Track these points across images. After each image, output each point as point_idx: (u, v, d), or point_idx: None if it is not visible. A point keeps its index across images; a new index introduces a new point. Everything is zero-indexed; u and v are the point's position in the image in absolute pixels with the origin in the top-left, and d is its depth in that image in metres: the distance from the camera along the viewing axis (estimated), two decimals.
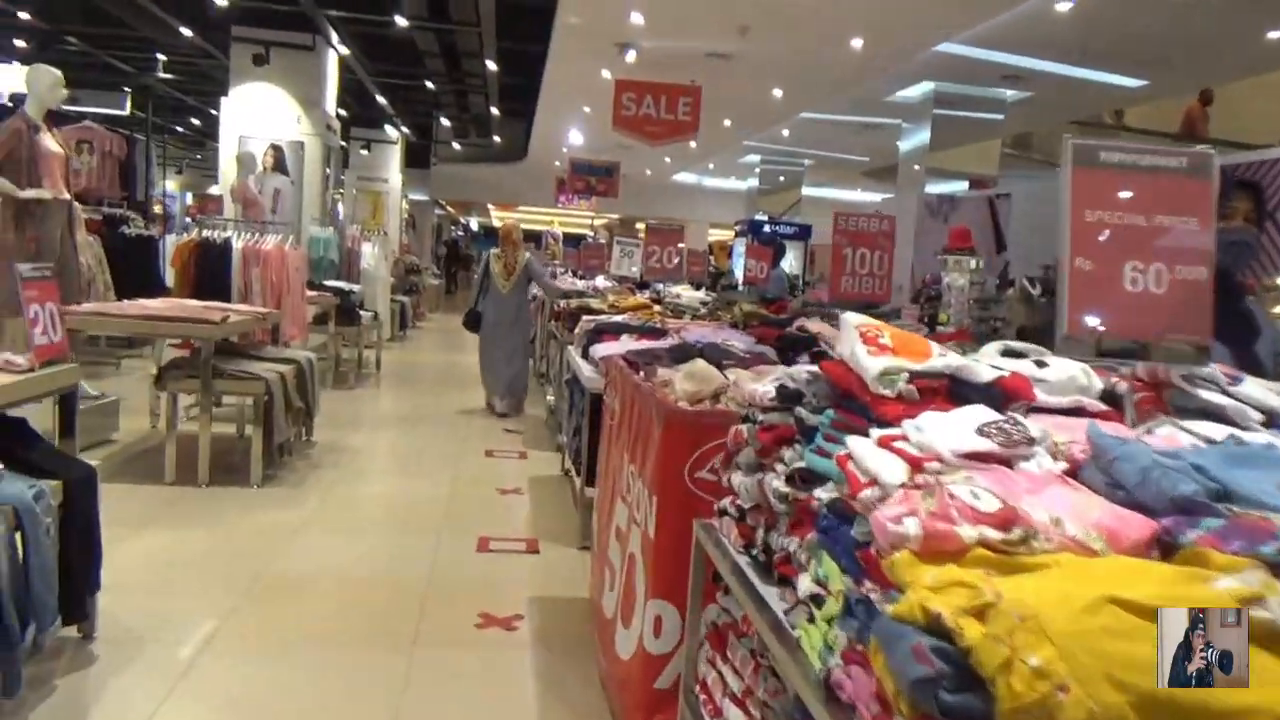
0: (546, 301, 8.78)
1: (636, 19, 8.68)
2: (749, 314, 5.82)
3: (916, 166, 13.49)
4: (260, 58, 10.44)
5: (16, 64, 11.05)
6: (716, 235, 32.54)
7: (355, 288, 9.54)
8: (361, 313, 9.17)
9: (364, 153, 18.89)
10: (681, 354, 3.30)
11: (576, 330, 5.44)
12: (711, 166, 22.23)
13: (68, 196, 5.48)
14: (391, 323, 12.92)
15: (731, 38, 9.20)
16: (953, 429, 1.34)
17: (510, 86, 15.95)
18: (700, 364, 2.60)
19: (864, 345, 1.52)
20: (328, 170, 11.46)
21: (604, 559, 3.10)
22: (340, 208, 12.69)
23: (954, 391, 1.49)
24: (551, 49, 10.31)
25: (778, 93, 11.74)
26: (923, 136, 12.70)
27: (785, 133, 16.26)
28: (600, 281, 11.36)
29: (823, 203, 24.61)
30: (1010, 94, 11.77)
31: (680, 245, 5.13)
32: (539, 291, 8.96)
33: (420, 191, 25.10)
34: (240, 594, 3.54)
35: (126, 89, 11.31)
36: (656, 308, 6.52)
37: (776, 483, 1.64)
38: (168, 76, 13.83)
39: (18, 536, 2.41)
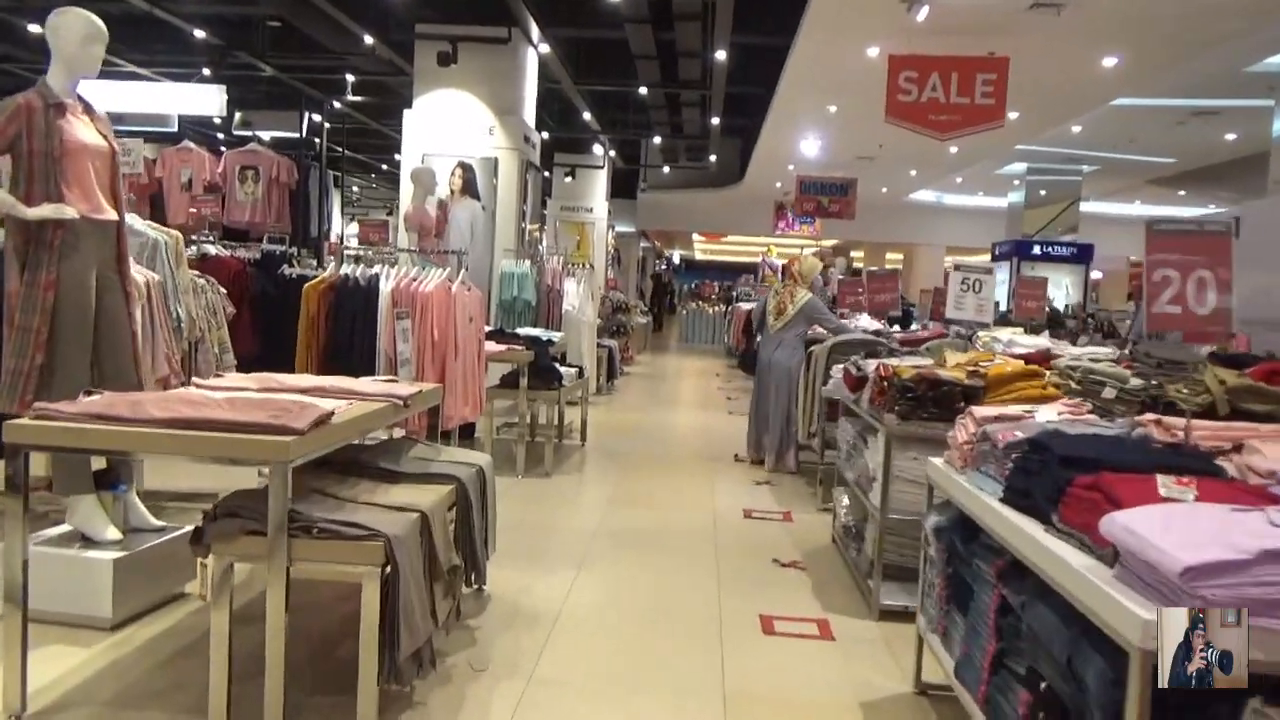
0: (817, 356, 6.20)
1: None
2: (1245, 391, 2.98)
3: None
4: (446, 55, 8.58)
5: (191, 85, 9.80)
6: (963, 260, 28.79)
7: (555, 336, 7.34)
8: (562, 369, 6.95)
9: (568, 180, 17.16)
10: None
11: (970, 438, 2.80)
12: (959, 180, 18.91)
13: (112, 215, 3.45)
14: (597, 372, 10.77)
15: None
16: None
17: (732, 98, 13.62)
18: None
19: None
20: (527, 193, 9.46)
21: None
22: (544, 240, 10.77)
23: None
24: (809, 11, 7.78)
25: (1110, 62, 8.64)
26: None
27: (1076, 129, 12.91)
28: (866, 321, 8.71)
29: (1091, 220, 20.54)
30: None
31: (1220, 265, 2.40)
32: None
33: (626, 223, 23.32)
34: None
35: (312, 115, 9.78)
36: (1050, 377, 3.79)
37: None
38: (357, 99, 12.47)
39: None
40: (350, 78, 11.89)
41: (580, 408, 7.83)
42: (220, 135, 13.04)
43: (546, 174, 17.64)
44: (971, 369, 3.84)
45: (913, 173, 17.21)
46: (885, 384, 4.05)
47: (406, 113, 9.08)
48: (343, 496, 2.93)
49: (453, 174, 9.03)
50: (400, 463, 3.40)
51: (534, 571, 4.22)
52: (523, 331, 7.29)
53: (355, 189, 25.97)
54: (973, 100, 8.17)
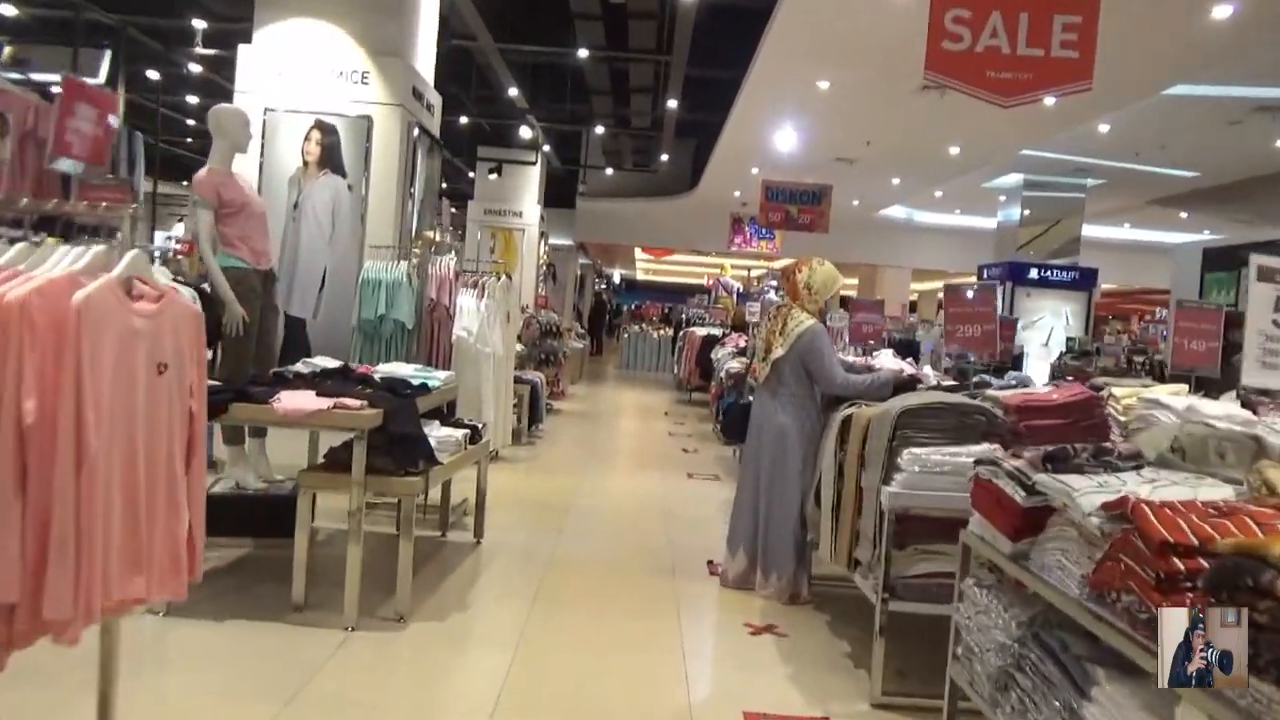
0: (869, 426, 3.64)
1: None
2: None
3: None
4: None
5: None
6: (919, 287, 26.71)
7: (436, 378, 4.66)
8: (440, 434, 4.30)
9: (493, 177, 14.50)
10: None
11: None
12: (939, 194, 16.70)
13: None
14: (518, 416, 8.12)
15: None
16: None
17: (691, 83, 11.16)
18: None
19: None
20: (415, 170, 6.79)
21: None
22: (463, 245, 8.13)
23: None
24: None
25: (1224, 11, 6.34)
26: None
27: (1104, 129, 10.73)
28: (888, 359, 6.31)
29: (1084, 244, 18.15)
30: None
31: None
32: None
33: (563, 234, 20.70)
34: None
35: (108, 49, 7.01)
36: None
37: None
38: (208, 53, 9.67)
39: None
40: (201, 24, 9.12)
41: (478, 476, 5.16)
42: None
43: (471, 174, 14.98)
44: None
45: (896, 181, 14.93)
46: (1168, 560, 1.51)
47: (242, 49, 6.38)
48: None
49: (308, 138, 6.38)
50: None
51: None
52: (383, 371, 4.62)
53: None
54: (1048, 52, 5.75)
